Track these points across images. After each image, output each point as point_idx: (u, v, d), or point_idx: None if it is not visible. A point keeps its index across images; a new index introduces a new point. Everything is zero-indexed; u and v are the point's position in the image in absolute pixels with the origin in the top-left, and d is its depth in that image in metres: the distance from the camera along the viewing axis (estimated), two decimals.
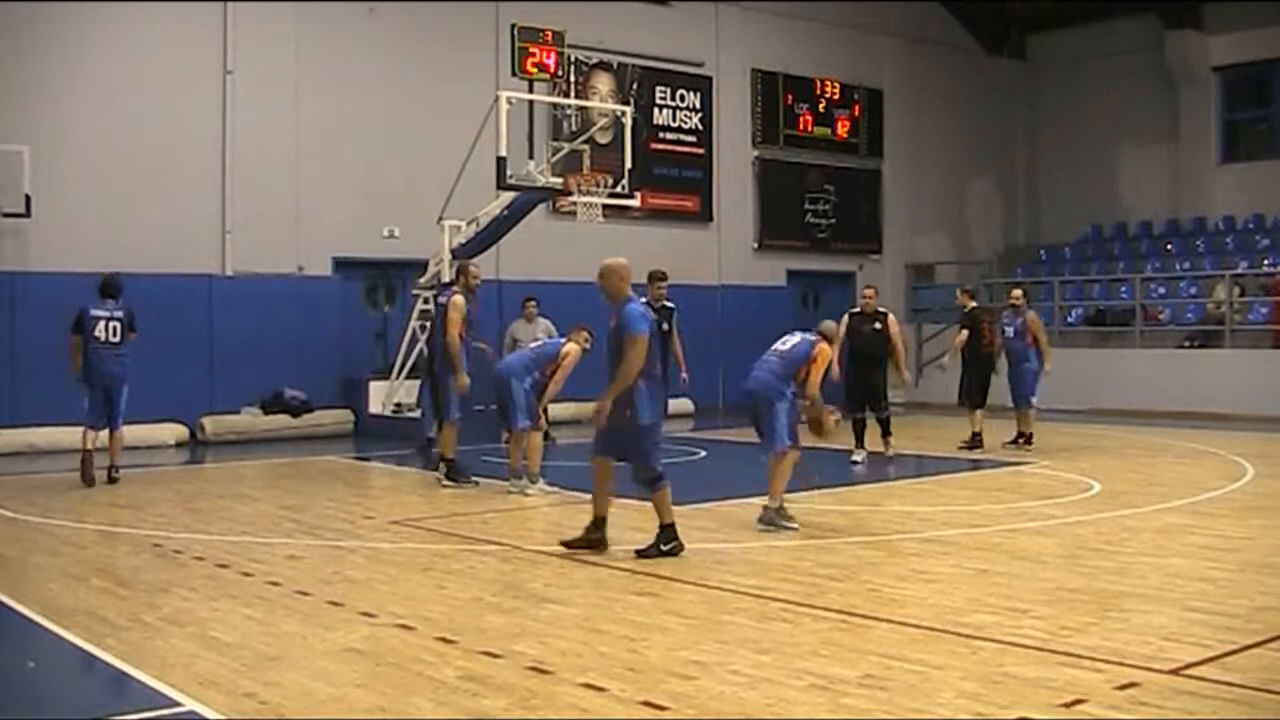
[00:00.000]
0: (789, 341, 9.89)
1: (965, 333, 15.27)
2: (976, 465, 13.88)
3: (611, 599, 7.20)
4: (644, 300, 12.08)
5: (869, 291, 14.63)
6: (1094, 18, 26.83)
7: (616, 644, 6.12)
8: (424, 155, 19.01)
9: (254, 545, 8.99)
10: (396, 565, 8.33)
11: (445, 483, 12.01)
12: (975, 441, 14.96)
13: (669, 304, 12.16)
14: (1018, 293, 15.73)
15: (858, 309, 14.43)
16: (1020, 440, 14.98)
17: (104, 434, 12.65)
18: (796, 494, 11.33)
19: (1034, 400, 15.07)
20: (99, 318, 12.51)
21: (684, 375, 13.68)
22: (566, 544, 8.56)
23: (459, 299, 11.98)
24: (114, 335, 12.51)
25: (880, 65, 26.33)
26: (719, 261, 23.37)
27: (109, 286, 12.74)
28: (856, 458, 13.73)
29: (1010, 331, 15.17)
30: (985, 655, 5.85)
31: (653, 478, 8.47)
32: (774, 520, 9.39)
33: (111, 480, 12.47)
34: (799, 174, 24.91)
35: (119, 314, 12.59)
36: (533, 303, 16.23)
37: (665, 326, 12.21)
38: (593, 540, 8.50)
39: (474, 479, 12.13)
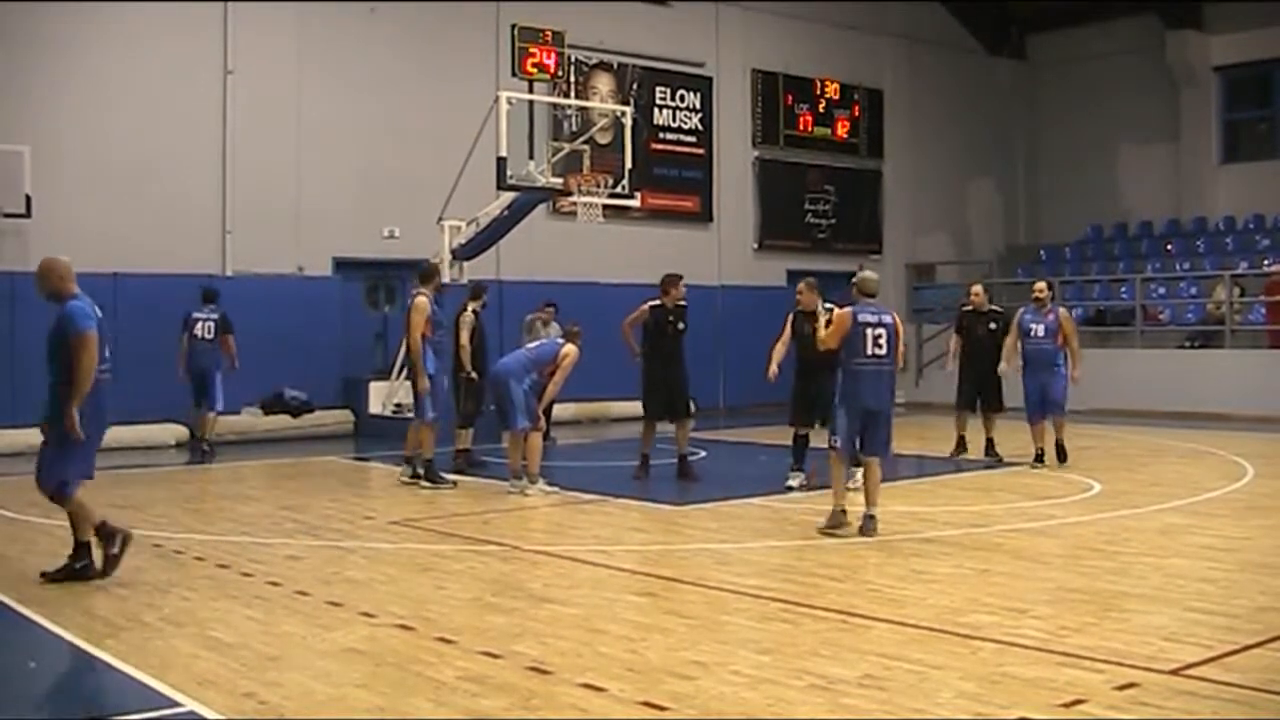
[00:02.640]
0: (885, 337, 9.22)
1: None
2: (969, 465, 13.80)
3: (611, 599, 7.20)
4: (655, 302, 12.09)
5: (800, 286, 11.88)
6: (1094, 18, 26.81)
7: (616, 644, 6.13)
8: (424, 155, 19.00)
9: (254, 545, 8.99)
10: (396, 565, 8.33)
11: (424, 485, 12.02)
12: (960, 447, 14.09)
13: (682, 303, 12.28)
14: (1041, 285, 13.61)
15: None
16: (1040, 455, 13.12)
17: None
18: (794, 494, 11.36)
19: (1064, 413, 13.26)
20: (199, 319, 15.16)
21: None
22: (48, 575, 7.70)
23: (422, 300, 11.93)
24: (208, 333, 15.11)
25: (880, 65, 26.33)
26: (719, 262, 23.37)
27: (208, 293, 15.45)
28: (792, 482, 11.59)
29: (1040, 331, 13.09)
30: (985, 655, 5.85)
31: (50, 491, 7.78)
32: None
33: (204, 454, 14.96)
34: (799, 174, 24.90)
35: (214, 316, 15.16)
36: (551, 308, 16.21)
37: (681, 326, 12.27)
38: (77, 569, 7.69)
39: (452, 480, 12.16)
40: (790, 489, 11.36)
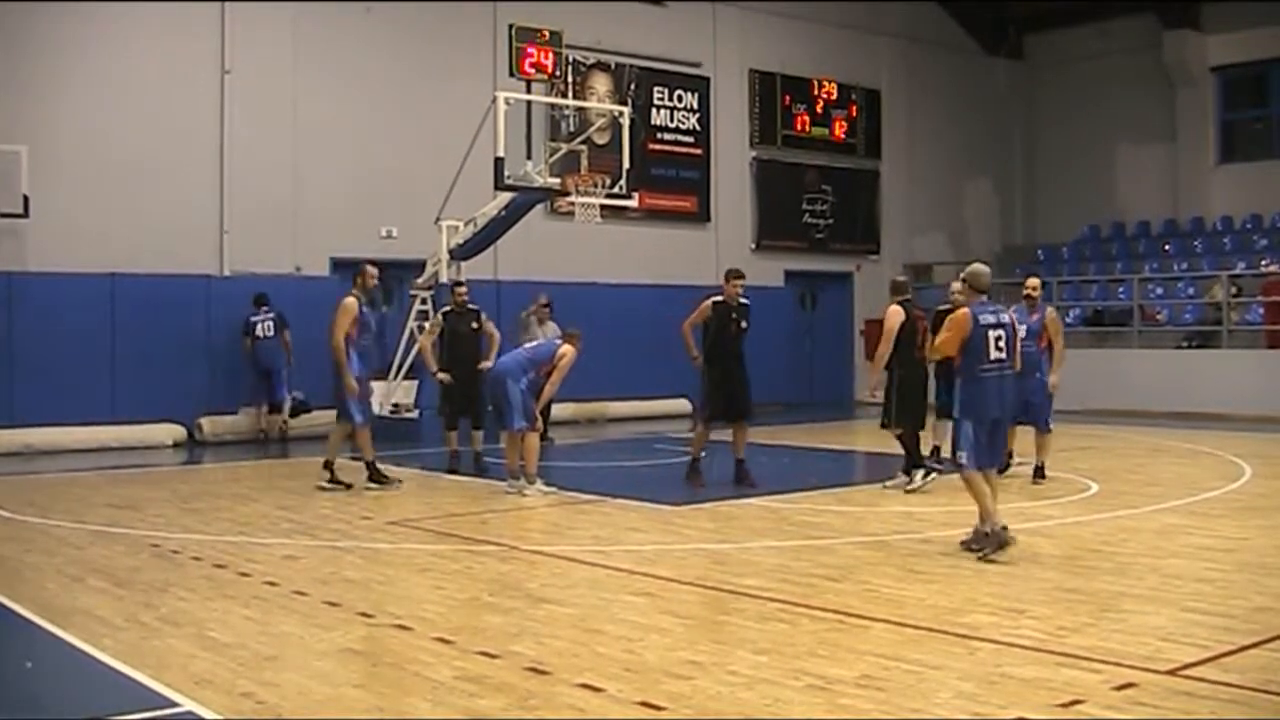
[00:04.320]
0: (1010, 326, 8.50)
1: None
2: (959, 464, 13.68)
3: (609, 599, 7.20)
4: (718, 298, 11.72)
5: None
6: (1092, 18, 26.82)
7: (614, 644, 6.12)
8: (422, 155, 19.00)
9: (251, 545, 8.98)
10: (394, 566, 8.33)
11: (370, 486, 11.87)
12: (936, 455, 12.29)
13: (744, 300, 12.03)
14: (1034, 282, 12.18)
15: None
16: (1006, 463, 11.45)
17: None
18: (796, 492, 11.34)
19: (1050, 423, 11.98)
20: (257, 321, 17.03)
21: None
22: None
23: (350, 301, 11.72)
24: (269, 332, 17.05)
25: (878, 65, 26.33)
26: (717, 262, 23.27)
27: (260, 298, 17.14)
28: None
29: (1022, 332, 10.67)
30: (983, 655, 5.85)
31: None
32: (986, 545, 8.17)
33: (282, 436, 17.05)
34: (797, 174, 24.90)
35: (271, 316, 17.06)
36: (546, 307, 16.23)
37: (744, 324, 12.05)
38: None
39: (344, 483, 11.84)
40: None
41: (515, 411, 11.31)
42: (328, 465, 11.99)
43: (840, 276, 25.68)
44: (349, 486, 11.85)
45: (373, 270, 12.22)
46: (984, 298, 8.54)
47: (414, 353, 17.54)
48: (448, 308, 13.61)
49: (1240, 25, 25.00)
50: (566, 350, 11.52)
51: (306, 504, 11.07)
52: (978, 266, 8.70)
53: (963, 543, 8.42)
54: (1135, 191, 26.93)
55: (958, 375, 8.53)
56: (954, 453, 8.55)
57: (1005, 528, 8.17)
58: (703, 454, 12.01)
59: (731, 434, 11.94)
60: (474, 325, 13.40)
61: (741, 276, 12.01)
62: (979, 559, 8.12)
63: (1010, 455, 11.89)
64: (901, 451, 11.70)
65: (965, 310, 8.45)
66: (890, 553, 8.53)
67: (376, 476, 11.97)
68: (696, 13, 23.37)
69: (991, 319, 8.37)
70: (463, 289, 13.88)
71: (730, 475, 11.81)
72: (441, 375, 13.09)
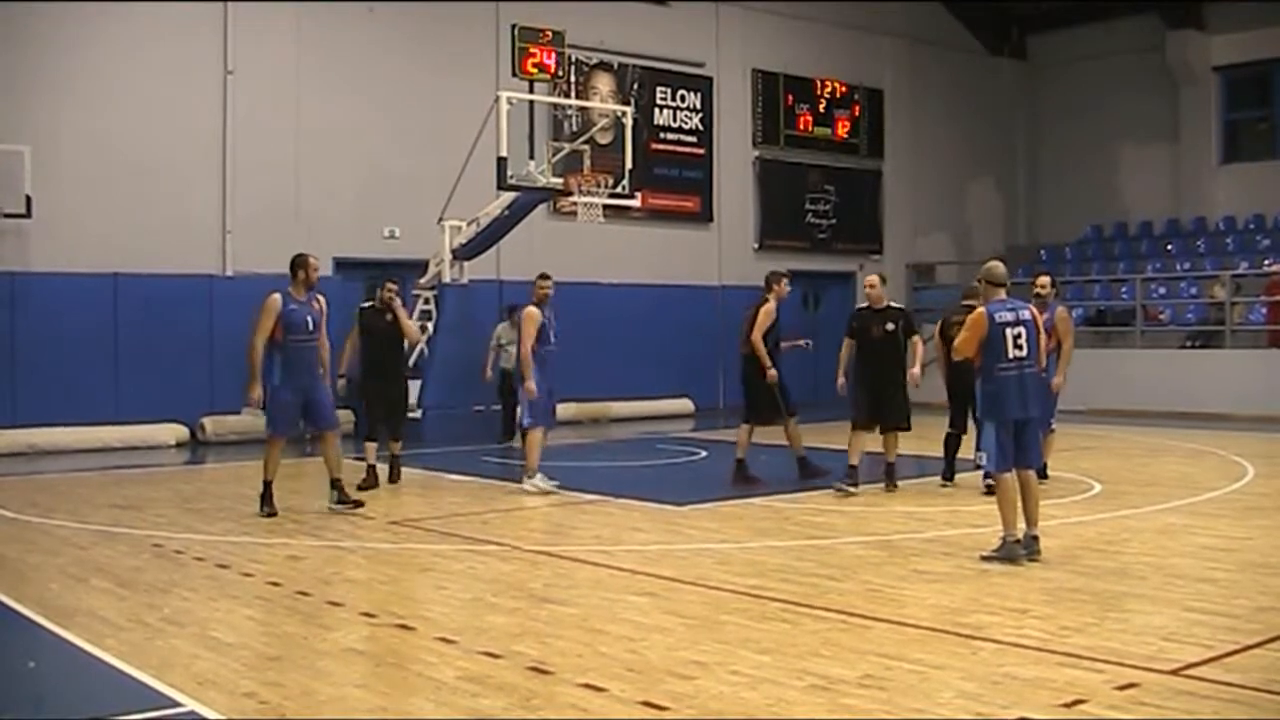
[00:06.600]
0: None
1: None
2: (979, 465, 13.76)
3: (611, 599, 7.20)
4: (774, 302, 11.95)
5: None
6: (1095, 18, 26.82)
7: (616, 644, 6.13)
8: (424, 155, 19.01)
9: (254, 545, 8.99)
10: (397, 565, 8.34)
11: (261, 510, 10.43)
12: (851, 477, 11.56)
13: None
14: (1044, 280, 11.63)
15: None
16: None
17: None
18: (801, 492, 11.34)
19: (1053, 423, 11.40)
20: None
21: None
22: None
23: (273, 299, 10.14)
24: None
25: (881, 65, 26.33)
26: (719, 262, 23.36)
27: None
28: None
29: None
30: (985, 655, 5.85)
31: None
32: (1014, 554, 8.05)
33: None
34: (800, 174, 24.90)
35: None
36: (517, 311, 16.16)
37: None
38: None
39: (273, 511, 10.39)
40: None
41: (524, 411, 11.60)
42: (266, 485, 10.53)
43: (843, 276, 25.67)
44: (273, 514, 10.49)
45: (315, 261, 10.50)
46: (1003, 294, 8.38)
47: (416, 353, 17.55)
48: (368, 303, 12.54)
49: (1243, 25, 25.00)
50: (527, 311, 11.69)
51: (309, 504, 11.08)
52: (992, 263, 8.59)
53: (982, 556, 8.17)
54: (1138, 191, 26.92)
55: (977, 375, 8.43)
56: (976, 453, 8.52)
57: (1036, 538, 8.13)
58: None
59: (747, 434, 12.41)
60: (388, 319, 12.24)
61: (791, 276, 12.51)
62: (980, 559, 8.12)
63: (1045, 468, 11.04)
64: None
65: (981, 310, 8.33)
66: (893, 552, 8.53)
67: (267, 496, 10.47)
68: (699, 12, 23.38)
69: (1010, 316, 8.22)
70: (392, 286, 12.48)
71: (729, 474, 12.05)
72: (340, 376, 12.21)
